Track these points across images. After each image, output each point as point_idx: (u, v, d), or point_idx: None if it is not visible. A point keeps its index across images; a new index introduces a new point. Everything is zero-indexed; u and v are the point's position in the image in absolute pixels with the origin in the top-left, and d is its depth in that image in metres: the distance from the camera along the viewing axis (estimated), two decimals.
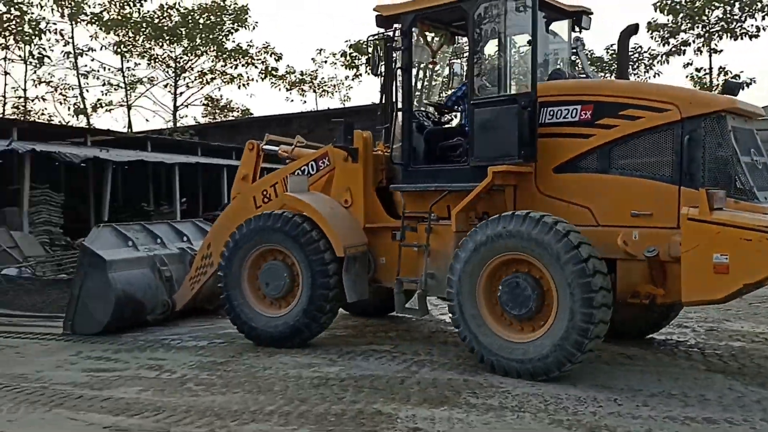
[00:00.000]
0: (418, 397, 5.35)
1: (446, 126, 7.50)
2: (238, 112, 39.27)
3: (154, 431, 4.69)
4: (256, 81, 38.32)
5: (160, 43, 34.03)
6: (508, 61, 6.55)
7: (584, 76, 7.13)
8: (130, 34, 33.27)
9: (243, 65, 35.84)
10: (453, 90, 7.42)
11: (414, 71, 7.14)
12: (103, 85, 34.81)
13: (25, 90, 33.29)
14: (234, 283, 7.24)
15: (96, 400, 5.40)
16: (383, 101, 7.11)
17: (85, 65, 34.53)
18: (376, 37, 7.01)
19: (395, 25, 6.94)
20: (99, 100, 35.47)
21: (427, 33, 7.61)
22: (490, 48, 6.66)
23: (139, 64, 35.58)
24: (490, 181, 6.13)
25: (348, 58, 36.91)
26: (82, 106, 34.01)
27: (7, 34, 30.58)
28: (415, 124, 7.07)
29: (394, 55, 6.94)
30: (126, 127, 34.03)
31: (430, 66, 7.72)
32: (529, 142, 6.09)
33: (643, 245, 5.69)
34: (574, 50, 7.25)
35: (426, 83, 7.77)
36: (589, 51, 32.58)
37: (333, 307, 7.04)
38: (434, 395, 5.38)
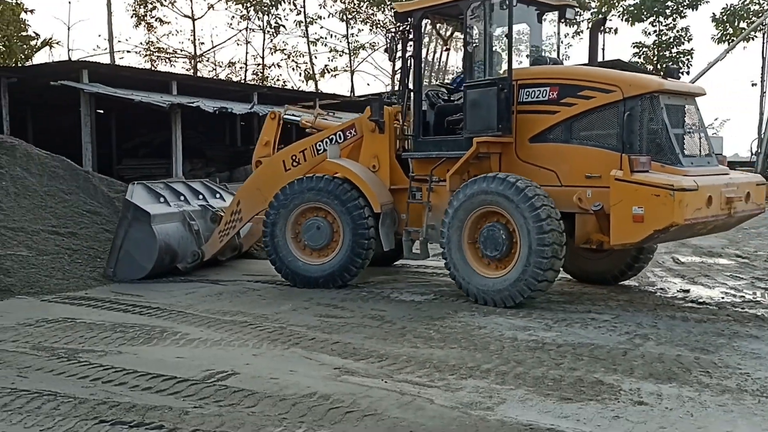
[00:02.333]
0: (642, 370, 5.08)
1: (454, 103, 8.28)
2: (452, 74, 39.51)
3: (378, 376, 4.98)
4: None
5: (382, 9, 35.16)
6: (492, 51, 7.70)
7: (561, 62, 8.35)
8: (355, 1, 34.77)
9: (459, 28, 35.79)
10: (459, 73, 8.56)
11: (431, 57, 8.70)
12: (330, 51, 36.95)
13: (263, 58, 36.53)
14: (278, 234, 8.40)
15: (327, 343, 5.85)
16: (400, 83, 8.37)
17: (315, 33, 36.66)
18: (393, 29, 8.33)
19: (409, 19, 8.07)
20: (326, 65, 37.76)
21: (438, 24, 8.96)
22: (480, 38, 7.77)
23: (362, 30, 37.14)
24: (475, 149, 7.44)
25: None
26: (311, 72, 36.46)
27: (248, 5, 33.56)
28: (428, 102, 8.31)
29: (408, 45, 8.12)
30: (349, 91, 35.88)
31: (445, 51, 9.14)
32: (506, 118, 7.33)
33: (594, 202, 6.91)
34: None
35: (441, 66, 9.27)
36: None
37: (368, 255, 8.22)
38: (661, 370, 5.08)
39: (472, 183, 7.29)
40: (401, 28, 8.16)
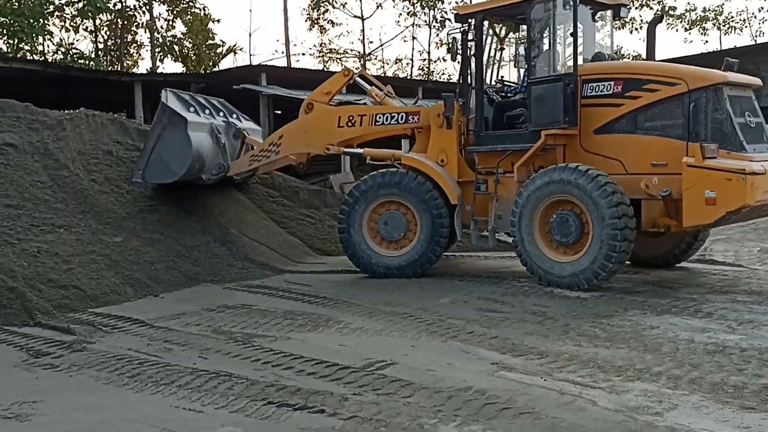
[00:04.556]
0: None
1: (512, 99, 8.77)
2: (627, 58, 37.35)
3: (537, 374, 4.84)
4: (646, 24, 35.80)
5: None
6: (557, 48, 8.29)
7: (618, 58, 8.68)
8: None
9: (636, 8, 33.79)
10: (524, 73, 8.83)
11: (485, 56, 9.03)
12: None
13: (428, 52, 36.90)
14: (355, 227, 8.74)
15: (485, 338, 5.78)
16: (461, 81, 8.71)
17: None
18: (455, 30, 8.68)
19: (470, 20, 8.49)
20: (490, 56, 37.32)
21: (495, 25, 9.48)
22: (544, 38, 8.32)
23: None
24: (543, 141, 7.89)
25: None
26: None
27: (414, 1, 34.03)
28: (487, 98, 8.70)
29: (469, 45, 8.53)
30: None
31: (500, 50, 9.54)
32: (572, 111, 7.81)
33: (661, 188, 7.36)
34: None
35: (498, 64, 9.64)
36: None
37: (445, 246, 8.65)
38: None
39: (544, 173, 7.69)
40: (463, 28, 8.52)
